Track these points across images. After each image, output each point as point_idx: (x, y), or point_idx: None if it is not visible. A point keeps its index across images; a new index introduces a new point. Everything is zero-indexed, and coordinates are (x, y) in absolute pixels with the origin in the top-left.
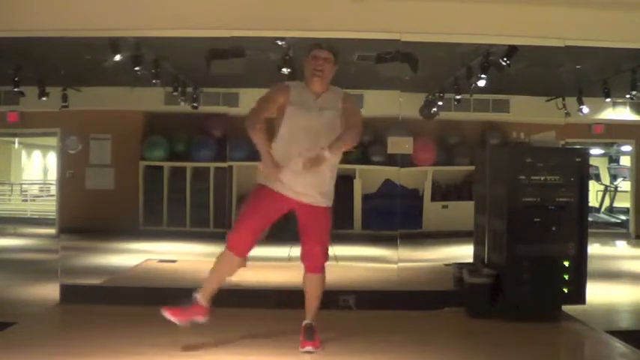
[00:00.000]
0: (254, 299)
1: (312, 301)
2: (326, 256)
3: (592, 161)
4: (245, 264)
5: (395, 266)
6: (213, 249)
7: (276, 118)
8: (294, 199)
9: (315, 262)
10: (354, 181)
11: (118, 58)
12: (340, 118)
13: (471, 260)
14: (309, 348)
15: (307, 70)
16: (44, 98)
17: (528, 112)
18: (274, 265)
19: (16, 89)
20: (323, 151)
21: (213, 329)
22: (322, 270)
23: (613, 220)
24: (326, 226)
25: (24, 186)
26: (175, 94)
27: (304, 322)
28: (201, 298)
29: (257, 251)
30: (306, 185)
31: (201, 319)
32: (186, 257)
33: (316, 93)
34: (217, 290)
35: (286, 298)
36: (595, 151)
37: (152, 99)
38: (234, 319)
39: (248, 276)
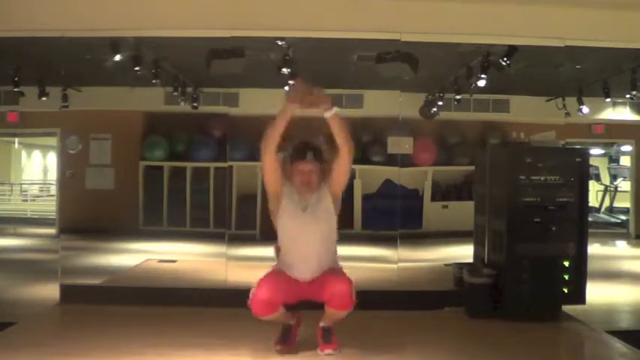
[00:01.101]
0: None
1: (336, 318)
2: (353, 294)
3: (592, 161)
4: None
5: (395, 266)
6: (213, 249)
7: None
8: (303, 280)
9: (345, 300)
10: (354, 181)
11: (118, 58)
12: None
13: (471, 260)
14: (327, 351)
15: (295, 179)
16: (44, 98)
17: (528, 112)
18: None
19: (16, 89)
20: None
21: (213, 329)
22: (351, 305)
23: (613, 220)
24: (337, 273)
25: (24, 186)
26: (175, 94)
27: (322, 324)
28: (291, 321)
29: (256, 251)
30: (308, 268)
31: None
32: (186, 257)
33: (312, 192)
34: (284, 318)
35: None
36: (595, 151)
37: (152, 99)
38: (234, 319)
39: (247, 276)
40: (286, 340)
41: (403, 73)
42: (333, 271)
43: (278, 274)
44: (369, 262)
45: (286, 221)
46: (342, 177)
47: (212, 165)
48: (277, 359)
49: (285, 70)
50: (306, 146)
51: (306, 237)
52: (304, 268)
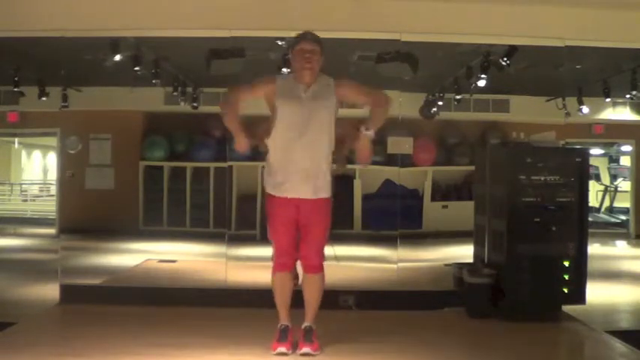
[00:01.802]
0: (253, 299)
1: (310, 303)
2: (323, 255)
3: (592, 161)
4: (297, 276)
5: (395, 266)
6: (213, 249)
7: (269, 118)
8: (296, 198)
9: (312, 261)
10: (354, 181)
11: (118, 58)
12: (336, 106)
13: (471, 260)
14: (306, 350)
15: (295, 63)
16: (44, 98)
17: (528, 112)
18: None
19: (16, 89)
20: (365, 130)
21: (213, 329)
22: (321, 269)
23: (613, 220)
24: (325, 220)
25: (24, 186)
26: (175, 94)
27: (303, 325)
28: (287, 322)
29: (256, 251)
30: (303, 180)
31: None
32: (186, 257)
33: (306, 84)
34: (290, 307)
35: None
36: (595, 151)
37: (152, 99)
38: (233, 319)
39: (247, 276)
40: (285, 339)
41: (403, 73)
42: (318, 214)
43: (275, 215)
44: (369, 262)
45: (282, 104)
46: (358, 97)
47: (212, 165)
48: (278, 359)
49: (285, 70)
50: (307, 32)
51: (305, 127)
52: (301, 178)
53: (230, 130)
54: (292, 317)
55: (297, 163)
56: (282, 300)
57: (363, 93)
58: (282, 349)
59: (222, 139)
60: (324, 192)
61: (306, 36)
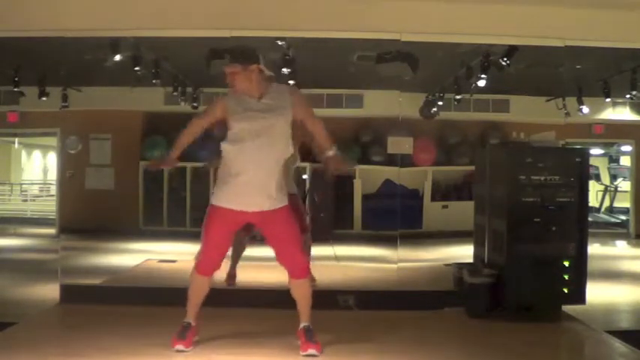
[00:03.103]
0: (252, 299)
1: (304, 304)
2: (306, 258)
3: (592, 161)
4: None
5: (395, 266)
6: None
7: (222, 138)
8: (249, 211)
9: (296, 267)
10: (354, 181)
11: (118, 58)
12: (290, 115)
13: (471, 260)
14: (312, 351)
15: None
16: (44, 98)
17: (528, 112)
18: (271, 265)
19: (16, 89)
20: (331, 153)
21: (213, 329)
22: (307, 273)
23: (613, 220)
24: (291, 226)
25: (24, 186)
26: (175, 94)
27: (302, 325)
28: (192, 320)
29: (254, 251)
30: (255, 194)
31: (196, 338)
32: (186, 257)
33: (254, 97)
34: (199, 309)
35: (284, 298)
36: (595, 151)
37: (152, 99)
38: (232, 319)
39: (246, 276)
40: (184, 337)
41: (403, 73)
42: (281, 223)
43: (215, 224)
44: (369, 262)
45: (236, 119)
46: (307, 119)
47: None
48: (277, 358)
49: (285, 70)
50: (223, 50)
51: (258, 139)
52: (254, 191)
53: (169, 154)
54: (290, 317)
55: (251, 175)
56: (196, 302)
57: (311, 116)
58: (180, 346)
59: (222, 139)
60: (278, 202)
61: (225, 56)
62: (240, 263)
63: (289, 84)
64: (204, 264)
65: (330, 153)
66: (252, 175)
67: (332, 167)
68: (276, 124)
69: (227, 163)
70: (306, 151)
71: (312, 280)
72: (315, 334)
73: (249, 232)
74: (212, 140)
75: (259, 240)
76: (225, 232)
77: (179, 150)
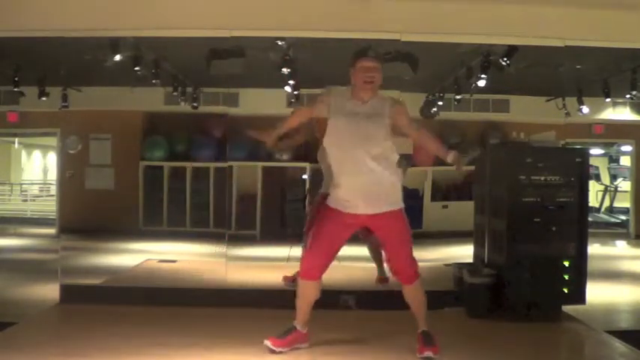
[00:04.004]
0: (253, 299)
1: (419, 309)
2: (414, 263)
3: (592, 161)
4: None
5: None
6: (213, 249)
7: (320, 135)
8: (362, 214)
9: (406, 273)
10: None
11: (118, 58)
12: (389, 125)
13: (471, 260)
14: (428, 354)
15: (356, 80)
16: (44, 98)
17: (528, 112)
18: (274, 265)
19: (16, 89)
20: (450, 156)
21: (213, 329)
22: (417, 277)
23: (613, 220)
24: (403, 229)
25: (24, 186)
26: (175, 94)
27: (420, 330)
28: (298, 324)
29: (257, 252)
30: (368, 196)
31: (303, 345)
32: (186, 257)
33: (362, 100)
34: (310, 315)
35: (285, 298)
36: (595, 151)
37: (152, 99)
38: (233, 319)
39: (248, 277)
40: (281, 336)
41: (403, 73)
42: (394, 226)
43: (326, 225)
44: (369, 262)
45: (335, 121)
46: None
47: (212, 165)
48: (278, 358)
49: (285, 70)
50: (368, 47)
51: (358, 141)
52: (355, 192)
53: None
54: (291, 318)
55: (352, 178)
56: (306, 308)
57: (412, 127)
58: (272, 345)
59: (222, 139)
60: (391, 205)
61: (368, 52)
62: (242, 263)
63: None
64: (306, 263)
65: (450, 157)
66: (350, 178)
67: (458, 166)
68: (373, 128)
69: (334, 165)
70: (305, 151)
71: (385, 280)
72: (434, 337)
73: (366, 235)
74: (212, 140)
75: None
76: (336, 232)
77: (276, 132)
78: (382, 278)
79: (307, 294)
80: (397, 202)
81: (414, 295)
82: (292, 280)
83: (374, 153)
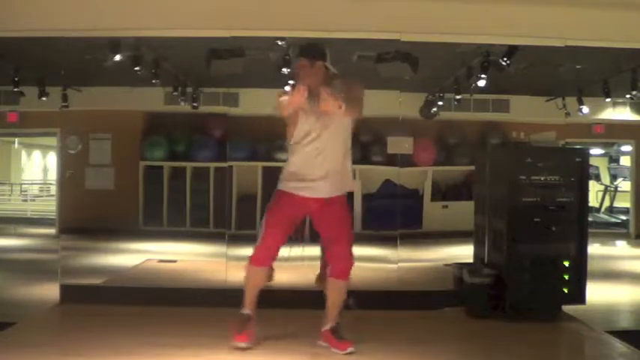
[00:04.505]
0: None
1: (333, 307)
2: (351, 258)
3: (592, 161)
4: (272, 273)
5: (395, 266)
6: (213, 249)
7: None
8: (316, 197)
9: (341, 265)
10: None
11: (118, 58)
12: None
13: (471, 260)
14: (350, 349)
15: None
16: (44, 98)
17: (528, 112)
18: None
19: (16, 89)
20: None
21: (213, 329)
22: (347, 276)
23: (613, 220)
24: (346, 216)
25: (24, 186)
26: (175, 94)
27: (329, 326)
28: (249, 311)
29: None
30: (328, 180)
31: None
32: (186, 257)
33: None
34: (257, 299)
35: (285, 298)
36: (595, 151)
37: (152, 99)
38: (233, 319)
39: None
40: (245, 329)
41: (403, 73)
42: (336, 213)
43: (280, 210)
44: (369, 262)
45: (300, 115)
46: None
47: (212, 165)
48: (278, 358)
49: (285, 70)
50: (302, 47)
51: (319, 138)
52: (319, 175)
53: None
54: (291, 317)
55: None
56: (253, 293)
57: (349, 90)
58: (242, 344)
59: (222, 139)
60: (339, 191)
61: (299, 51)
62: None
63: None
64: (261, 252)
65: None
66: (314, 167)
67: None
68: (335, 123)
69: (296, 157)
70: None
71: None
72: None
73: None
74: (212, 140)
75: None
76: (288, 217)
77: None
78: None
79: (258, 280)
80: (345, 188)
81: (337, 292)
82: (320, 279)
83: (336, 144)
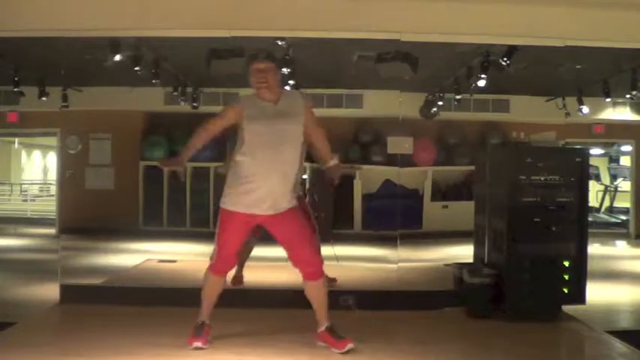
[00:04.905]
0: (252, 299)
1: (321, 308)
2: (318, 259)
3: (592, 161)
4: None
5: (395, 266)
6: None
7: (237, 138)
8: (259, 214)
9: (309, 267)
10: (354, 181)
11: (118, 58)
12: (303, 123)
13: (471, 260)
14: (350, 346)
15: (252, 83)
16: (44, 98)
17: (528, 112)
18: (272, 265)
19: (16, 89)
20: (333, 161)
21: (213, 329)
22: (322, 274)
23: (613, 220)
24: (302, 225)
25: (24, 186)
26: (175, 94)
27: (325, 327)
28: (206, 319)
29: (257, 252)
30: (266, 199)
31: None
32: (186, 257)
33: (271, 101)
34: (213, 308)
35: (284, 298)
36: (595, 151)
37: (152, 99)
38: (233, 319)
39: (247, 276)
40: (201, 335)
41: (403, 73)
42: (291, 223)
43: (229, 228)
44: (369, 262)
45: (250, 124)
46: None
47: (212, 165)
48: (278, 358)
49: (285, 70)
50: (259, 51)
51: (271, 134)
52: (266, 196)
53: (180, 155)
54: (290, 317)
55: (263, 181)
56: (210, 302)
57: (317, 126)
58: (198, 343)
59: (222, 139)
60: (287, 204)
61: (258, 54)
62: (245, 263)
63: (298, 90)
64: (219, 264)
65: (332, 162)
66: (265, 181)
67: (335, 176)
68: (291, 129)
69: (239, 167)
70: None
71: (333, 280)
72: (338, 330)
73: (257, 233)
74: (213, 140)
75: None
76: (236, 234)
77: (190, 152)
78: (237, 277)
79: (217, 289)
80: (292, 201)
81: (316, 293)
82: (332, 280)
83: (289, 156)
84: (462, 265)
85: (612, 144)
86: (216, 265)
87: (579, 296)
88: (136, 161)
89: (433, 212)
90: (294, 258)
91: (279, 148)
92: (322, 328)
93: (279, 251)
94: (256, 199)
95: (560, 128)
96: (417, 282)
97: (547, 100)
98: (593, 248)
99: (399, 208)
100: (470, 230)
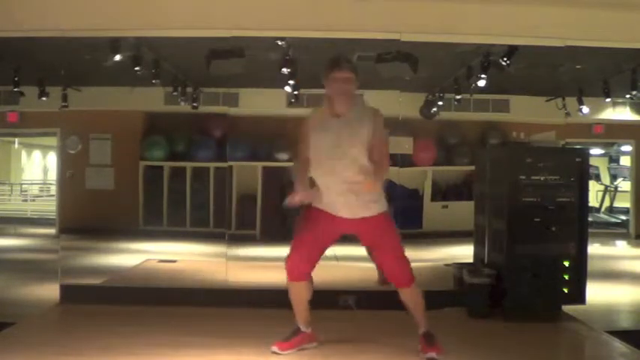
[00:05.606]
0: (253, 299)
1: (417, 311)
2: (407, 266)
3: (592, 161)
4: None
5: None
6: (213, 249)
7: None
8: (345, 218)
9: (399, 278)
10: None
11: (118, 58)
12: (368, 135)
13: (471, 260)
14: (432, 354)
15: (329, 91)
16: (44, 98)
17: (528, 112)
18: (273, 265)
19: (16, 89)
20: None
21: (213, 329)
22: (412, 280)
23: (613, 220)
24: (387, 234)
25: (24, 186)
26: (175, 94)
27: (421, 331)
28: (300, 325)
29: (256, 251)
30: (345, 205)
31: (311, 345)
32: (186, 257)
33: (339, 113)
34: (310, 314)
35: (285, 298)
36: (595, 151)
37: (152, 99)
38: (233, 319)
39: (247, 276)
40: (287, 339)
41: (403, 73)
42: (379, 230)
43: (312, 225)
44: (369, 262)
45: (313, 137)
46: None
47: (212, 165)
48: (278, 358)
49: (285, 70)
50: (340, 57)
51: (332, 145)
52: (341, 200)
53: (299, 186)
54: (291, 317)
55: (340, 191)
56: (302, 308)
57: (379, 145)
58: (274, 348)
59: (222, 139)
60: (376, 208)
61: (341, 63)
62: (242, 263)
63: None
64: (292, 269)
65: (367, 179)
66: (333, 189)
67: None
68: (351, 136)
69: (316, 177)
70: None
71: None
72: (435, 338)
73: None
74: (212, 140)
75: None
76: (322, 234)
77: (304, 182)
78: (383, 279)
79: (300, 295)
80: (376, 208)
81: (409, 298)
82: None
83: (350, 165)
84: (462, 265)
85: (612, 144)
86: (290, 267)
87: (579, 296)
88: (136, 161)
89: (433, 212)
90: (380, 268)
91: (336, 159)
92: (419, 332)
93: (278, 251)
94: (336, 204)
95: (560, 128)
96: (417, 282)
97: (547, 100)
98: (593, 248)
99: (399, 208)
100: (470, 230)
